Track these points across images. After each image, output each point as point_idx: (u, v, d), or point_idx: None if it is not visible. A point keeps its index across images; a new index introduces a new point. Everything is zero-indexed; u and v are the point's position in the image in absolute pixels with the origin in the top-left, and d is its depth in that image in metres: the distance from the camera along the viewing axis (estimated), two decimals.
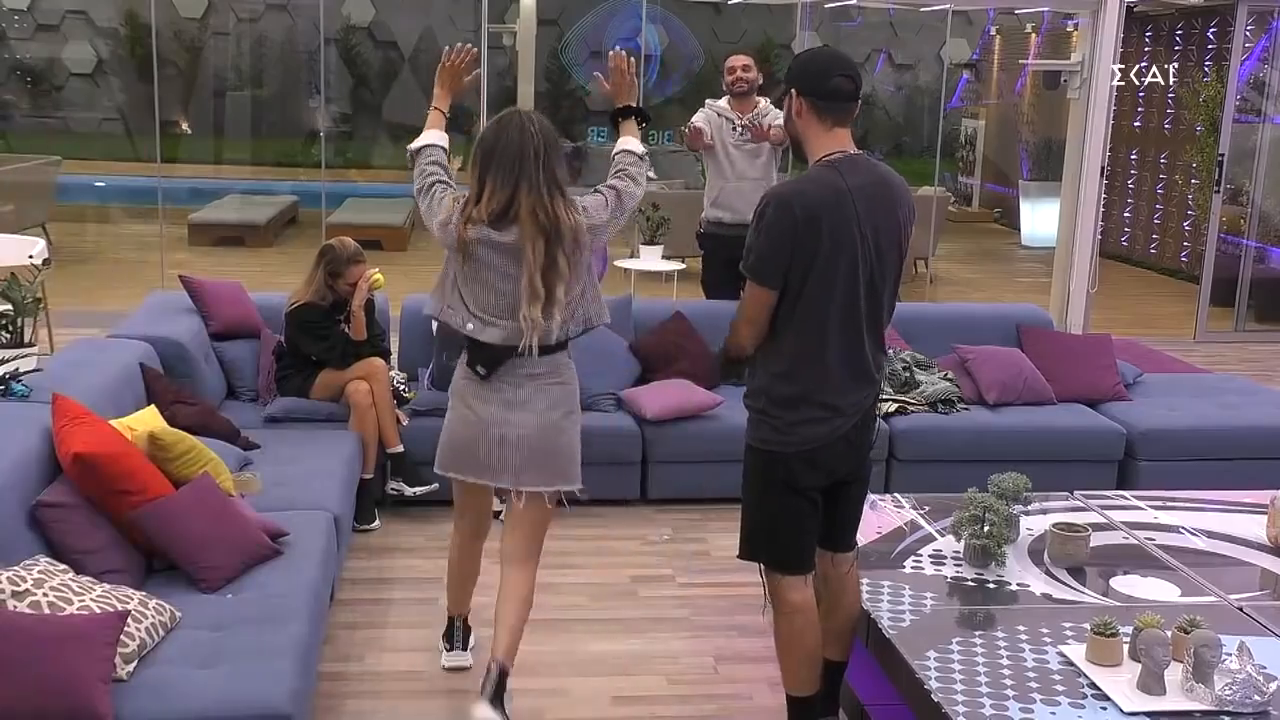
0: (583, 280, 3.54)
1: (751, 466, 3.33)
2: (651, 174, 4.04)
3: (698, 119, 6.40)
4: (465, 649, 4.00)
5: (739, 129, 6.25)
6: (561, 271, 3.42)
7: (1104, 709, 2.92)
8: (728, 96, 6.36)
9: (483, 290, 3.46)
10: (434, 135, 3.69)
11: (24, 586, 2.86)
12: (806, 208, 3.08)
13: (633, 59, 3.77)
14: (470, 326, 3.49)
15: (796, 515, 3.26)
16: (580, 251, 3.48)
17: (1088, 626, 3.18)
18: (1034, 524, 4.11)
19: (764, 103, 6.33)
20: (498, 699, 3.47)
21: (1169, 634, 3.03)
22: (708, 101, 6.48)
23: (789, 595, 3.30)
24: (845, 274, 3.13)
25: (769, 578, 3.35)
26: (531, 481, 3.57)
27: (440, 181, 3.60)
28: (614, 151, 3.72)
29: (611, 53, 3.77)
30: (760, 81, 6.35)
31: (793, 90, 3.22)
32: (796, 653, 3.35)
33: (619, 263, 8.48)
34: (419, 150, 3.67)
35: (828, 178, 3.15)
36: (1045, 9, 12.16)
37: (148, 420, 3.97)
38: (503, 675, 3.49)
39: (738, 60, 6.34)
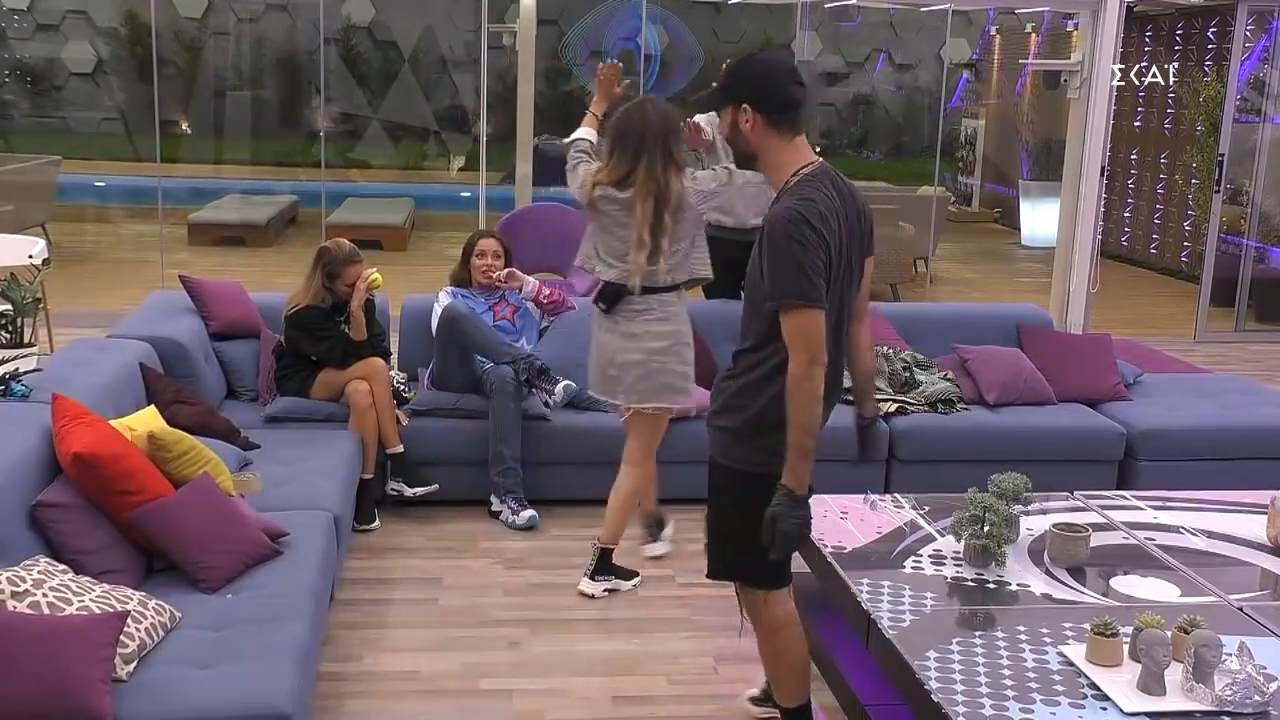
0: (688, 238, 4.39)
1: (725, 486, 3.23)
2: None
3: (700, 118, 6.36)
4: (659, 539, 4.88)
5: None
6: (665, 227, 4.25)
7: (1104, 709, 2.92)
8: None
9: (606, 238, 4.36)
10: (584, 131, 4.50)
11: (24, 586, 2.86)
12: (819, 220, 2.98)
13: None
14: (599, 268, 4.40)
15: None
16: (684, 213, 4.29)
17: (1088, 626, 3.17)
18: (1034, 524, 4.11)
19: None
20: (600, 573, 4.60)
21: (1169, 634, 3.03)
22: None
23: (775, 610, 3.31)
24: (836, 288, 3.08)
25: (749, 595, 3.32)
26: (639, 400, 4.42)
27: (583, 161, 4.45)
28: None
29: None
30: None
31: (745, 105, 3.07)
32: (791, 666, 3.37)
33: None
34: (571, 141, 4.51)
35: (821, 191, 3.05)
36: (1045, 9, 12.16)
37: (148, 420, 3.97)
38: (604, 553, 4.60)
39: None
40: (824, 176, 3.09)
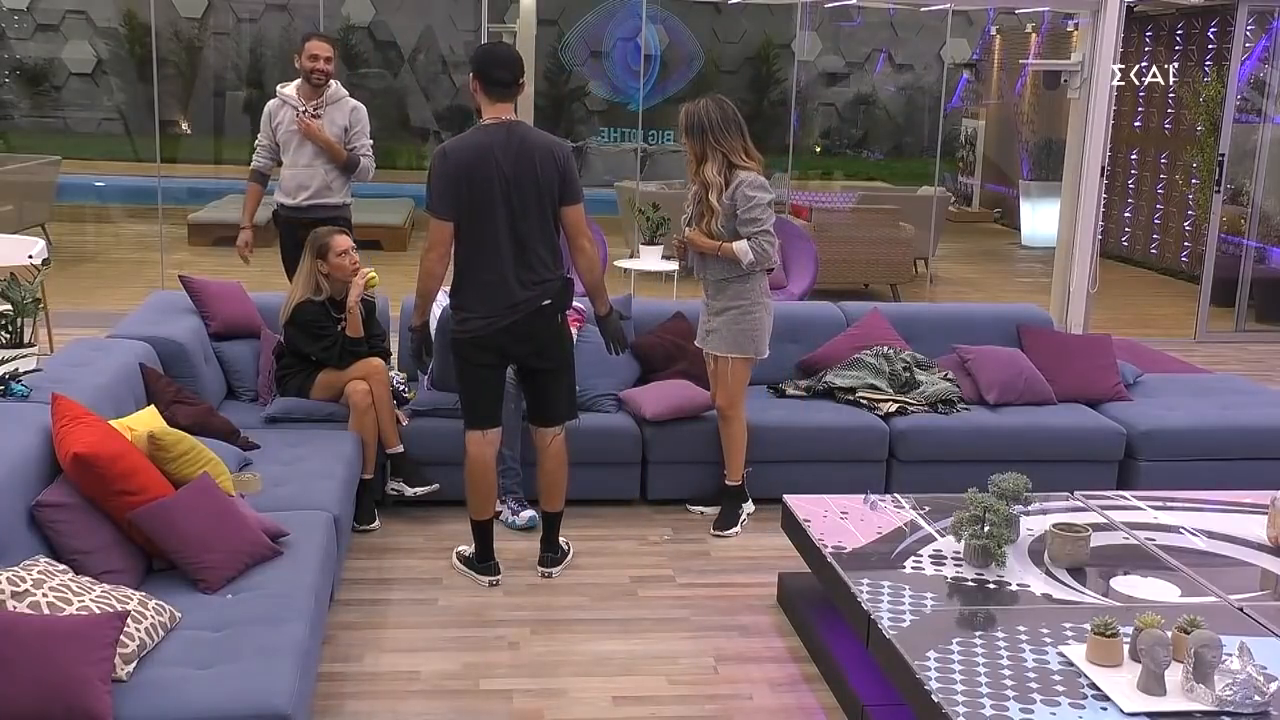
0: None
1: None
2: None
3: None
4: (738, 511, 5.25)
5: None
6: None
7: (1104, 709, 2.92)
8: None
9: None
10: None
11: (24, 586, 2.86)
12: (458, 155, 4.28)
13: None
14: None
15: (472, 384, 4.48)
16: None
17: (1088, 627, 3.18)
18: (1034, 524, 4.11)
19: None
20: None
21: (1169, 634, 3.04)
22: None
23: (467, 443, 4.52)
24: (503, 210, 4.27)
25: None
26: None
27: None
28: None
29: None
30: None
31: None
32: (470, 487, 4.54)
33: (619, 263, 8.49)
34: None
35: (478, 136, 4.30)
36: (1045, 9, 12.17)
37: (148, 420, 3.97)
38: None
39: None
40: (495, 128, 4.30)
